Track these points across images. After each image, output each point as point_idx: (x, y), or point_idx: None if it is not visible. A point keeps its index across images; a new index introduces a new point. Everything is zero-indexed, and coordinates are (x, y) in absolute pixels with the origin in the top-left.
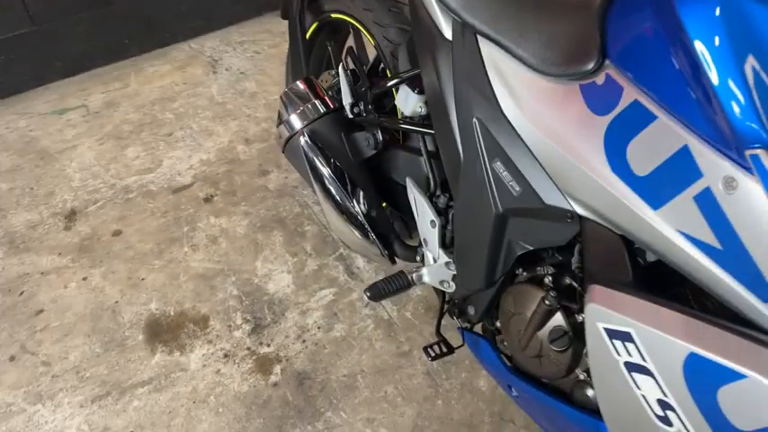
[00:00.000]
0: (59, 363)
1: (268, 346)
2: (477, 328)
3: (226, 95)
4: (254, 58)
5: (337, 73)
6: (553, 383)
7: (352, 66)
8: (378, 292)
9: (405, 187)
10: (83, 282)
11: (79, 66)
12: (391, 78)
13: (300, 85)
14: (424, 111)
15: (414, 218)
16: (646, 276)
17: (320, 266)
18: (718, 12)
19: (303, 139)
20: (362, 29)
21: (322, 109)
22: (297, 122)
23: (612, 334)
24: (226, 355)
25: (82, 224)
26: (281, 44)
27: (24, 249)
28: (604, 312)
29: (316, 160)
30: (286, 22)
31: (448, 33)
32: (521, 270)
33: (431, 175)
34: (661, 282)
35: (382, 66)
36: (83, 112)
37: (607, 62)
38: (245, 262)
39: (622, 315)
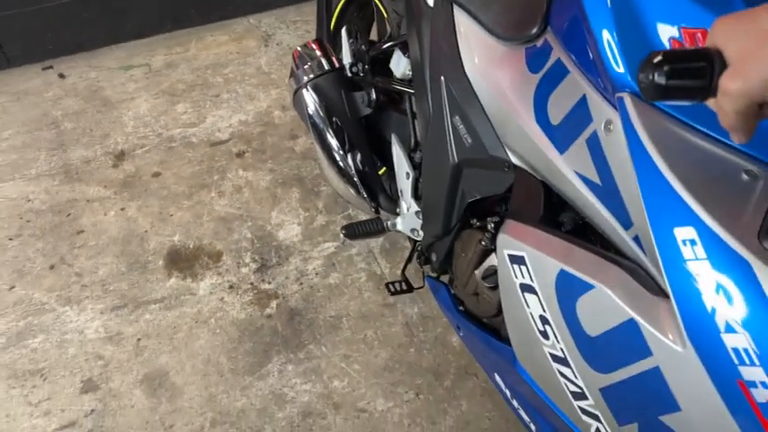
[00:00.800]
0: (89, 275)
1: (269, 283)
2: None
3: (272, 66)
4: (303, 36)
5: (355, 41)
6: (490, 322)
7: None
8: (353, 231)
9: None
10: (120, 211)
11: (148, 29)
12: (385, 42)
13: (312, 45)
14: (411, 73)
15: None
16: (558, 215)
17: (328, 222)
18: None
19: (307, 93)
20: (378, 3)
21: (326, 66)
22: (303, 77)
23: (513, 259)
24: (231, 287)
25: (128, 164)
26: None
27: (77, 179)
28: (509, 240)
29: (315, 113)
30: None
31: (430, 1)
32: (474, 219)
33: (412, 132)
34: (578, 225)
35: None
36: (145, 70)
37: (548, 28)
38: (263, 211)
39: (520, 241)
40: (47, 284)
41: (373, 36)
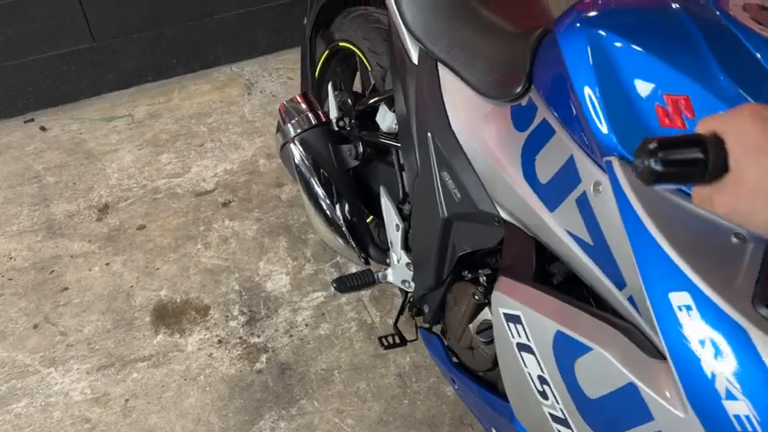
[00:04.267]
0: (75, 334)
1: (258, 337)
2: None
3: (256, 115)
4: (286, 83)
5: (340, 93)
6: (485, 376)
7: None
8: (344, 284)
9: None
10: (105, 267)
11: (130, 80)
12: (371, 97)
13: (298, 99)
14: (397, 127)
15: None
16: (550, 272)
17: (316, 271)
18: (583, 42)
19: (294, 147)
20: (362, 56)
21: (313, 121)
22: (290, 131)
23: (508, 318)
24: (220, 341)
25: (112, 217)
26: None
27: (60, 235)
28: (504, 299)
29: (303, 166)
30: None
31: (415, 58)
32: (466, 272)
33: (400, 185)
34: (566, 278)
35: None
36: (128, 121)
37: (532, 87)
38: (250, 261)
39: (515, 300)
40: (30, 345)
41: (357, 87)
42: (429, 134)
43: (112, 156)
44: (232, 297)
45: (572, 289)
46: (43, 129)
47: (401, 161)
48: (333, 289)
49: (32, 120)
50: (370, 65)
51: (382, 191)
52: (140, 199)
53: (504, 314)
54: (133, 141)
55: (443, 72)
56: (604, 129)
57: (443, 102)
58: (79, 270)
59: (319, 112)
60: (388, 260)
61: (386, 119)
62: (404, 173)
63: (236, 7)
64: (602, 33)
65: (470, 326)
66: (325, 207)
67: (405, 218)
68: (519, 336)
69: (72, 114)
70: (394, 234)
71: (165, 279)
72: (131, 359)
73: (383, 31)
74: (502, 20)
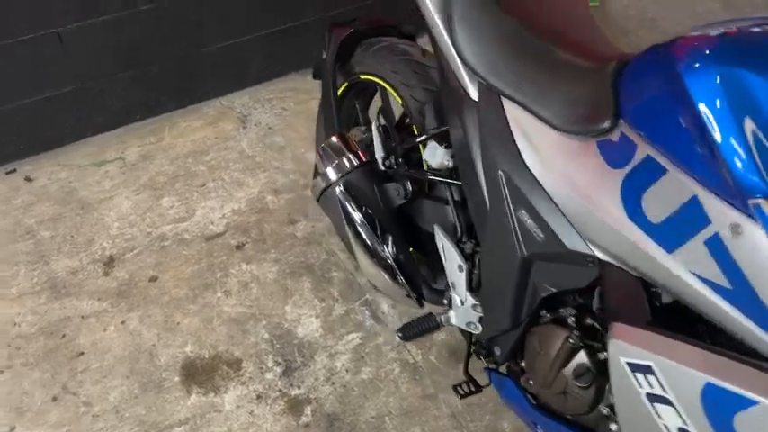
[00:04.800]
0: (100, 403)
1: (299, 387)
2: (503, 369)
3: (255, 149)
4: (281, 114)
5: (368, 129)
6: (578, 420)
7: (383, 122)
8: (409, 332)
9: (432, 234)
10: (121, 325)
11: (117, 120)
12: (420, 135)
13: (335, 141)
14: (450, 164)
15: (440, 263)
16: (662, 314)
17: (347, 311)
18: (718, 80)
19: (338, 190)
20: (391, 89)
21: (356, 162)
22: (332, 174)
23: (634, 367)
24: (258, 397)
25: (120, 270)
26: (307, 101)
27: (66, 294)
28: (626, 347)
29: (350, 209)
30: (310, 80)
31: (474, 95)
32: (545, 312)
33: (457, 223)
34: (678, 319)
35: (408, 121)
36: (120, 165)
37: (621, 121)
38: (276, 307)
39: (643, 349)
40: (53, 420)
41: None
42: (500, 172)
43: (109, 203)
44: (263, 347)
45: (692, 333)
46: (29, 179)
47: (455, 197)
48: (398, 338)
49: (15, 170)
50: (401, 98)
51: (437, 230)
52: (147, 248)
53: (629, 364)
54: (129, 186)
55: (510, 107)
56: (748, 170)
57: (513, 138)
58: (93, 331)
59: (359, 153)
60: (444, 300)
61: (436, 155)
62: (459, 210)
63: (224, 39)
64: (740, 69)
65: (564, 371)
66: (374, 249)
67: (467, 257)
68: (650, 386)
69: (58, 161)
70: (456, 275)
71: (189, 333)
72: (167, 425)
73: (412, 63)
74: (568, 53)
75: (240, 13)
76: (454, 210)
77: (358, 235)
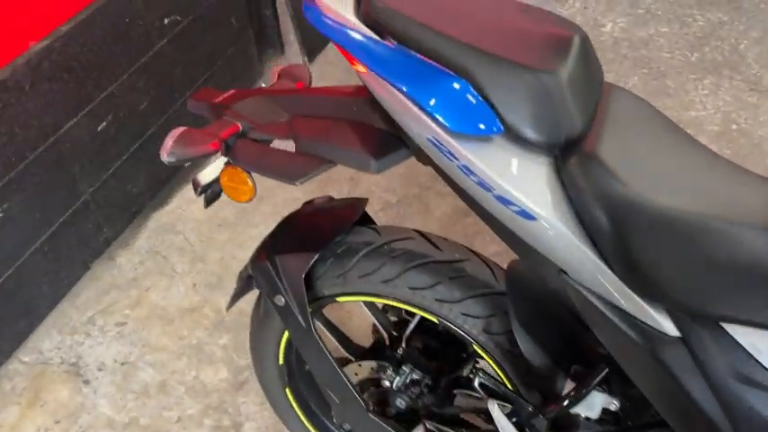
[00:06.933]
0: None
1: None
2: None
3: None
4: (128, 338)
5: None
6: None
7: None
8: None
9: None
10: None
11: None
12: (579, 389)
13: None
14: (614, 408)
15: None
16: None
17: None
18: None
19: None
20: (428, 314)
21: None
22: None
23: None
24: None
25: None
26: None
27: None
28: None
29: None
30: None
31: (671, 329)
32: None
33: None
34: None
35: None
36: None
37: None
38: None
39: None
40: None
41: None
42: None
43: None
44: None
45: None
46: None
47: None
48: None
49: None
50: (440, 318)
51: None
52: None
53: None
54: None
55: (747, 335)
56: None
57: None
58: None
59: None
60: None
61: (594, 405)
62: None
63: None
64: None
65: None
66: None
67: None
68: None
69: None
70: None
71: None
72: None
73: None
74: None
75: None
76: None
77: None
